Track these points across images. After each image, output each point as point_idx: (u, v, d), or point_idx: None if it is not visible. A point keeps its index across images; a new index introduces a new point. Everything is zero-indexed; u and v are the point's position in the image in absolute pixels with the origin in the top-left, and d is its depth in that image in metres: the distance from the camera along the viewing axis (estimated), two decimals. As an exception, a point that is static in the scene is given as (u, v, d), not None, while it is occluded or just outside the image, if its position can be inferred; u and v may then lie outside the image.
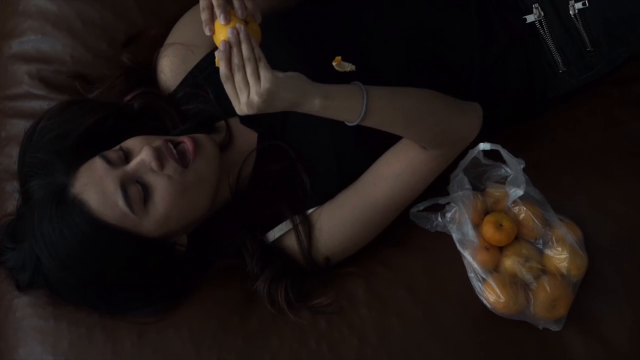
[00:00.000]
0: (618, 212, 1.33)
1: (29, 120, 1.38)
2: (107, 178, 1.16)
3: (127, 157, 1.19)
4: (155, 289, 1.24)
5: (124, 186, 1.16)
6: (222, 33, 1.09)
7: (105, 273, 1.19)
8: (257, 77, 1.06)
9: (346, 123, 1.15)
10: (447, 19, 1.39)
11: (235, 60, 1.06)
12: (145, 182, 1.17)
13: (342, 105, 1.12)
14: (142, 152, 1.18)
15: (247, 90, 1.06)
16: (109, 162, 1.17)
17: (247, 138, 1.34)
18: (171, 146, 1.20)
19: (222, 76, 1.07)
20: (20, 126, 1.41)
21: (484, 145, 1.25)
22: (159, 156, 1.18)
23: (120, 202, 1.15)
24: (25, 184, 1.25)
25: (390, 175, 1.28)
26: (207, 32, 1.10)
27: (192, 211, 1.23)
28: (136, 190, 1.16)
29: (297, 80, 1.09)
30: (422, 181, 1.30)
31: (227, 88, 1.08)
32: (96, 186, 1.15)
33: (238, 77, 1.06)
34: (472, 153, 1.26)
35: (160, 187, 1.18)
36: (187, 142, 1.21)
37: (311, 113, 1.12)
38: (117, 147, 1.21)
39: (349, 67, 1.14)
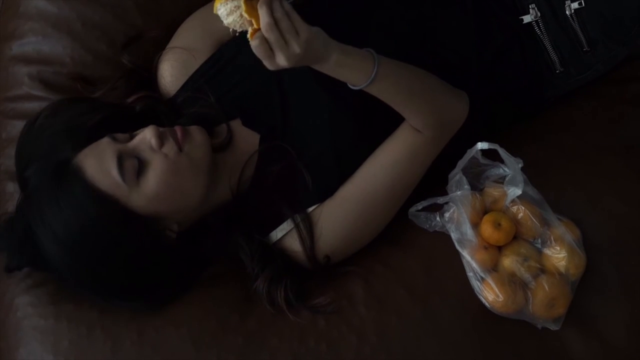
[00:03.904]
0: (616, 211, 1.33)
1: (29, 122, 1.40)
2: (107, 150, 1.19)
3: (132, 139, 1.22)
4: (146, 277, 1.24)
5: (120, 157, 1.18)
6: (215, 4, 1.08)
7: (94, 247, 1.19)
8: (295, 31, 1.07)
9: (351, 86, 1.18)
10: (444, 18, 1.40)
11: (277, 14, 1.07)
12: (142, 158, 1.20)
13: (355, 63, 1.16)
14: (145, 130, 1.22)
15: (286, 46, 1.07)
16: (113, 138, 1.21)
17: (249, 139, 1.35)
18: (176, 128, 1.23)
19: (266, 25, 1.06)
20: (20, 127, 1.40)
21: (482, 145, 1.25)
22: (160, 135, 1.21)
23: (114, 171, 1.17)
24: (26, 166, 1.26)
25: (389, 163, 1.28)
26: None
27: (183, 197, 1.24)
28: (131, 163, 1.19)
29: (321, 32, 1.13)
30: (420, 166, 1.31)
31: (261, 49, 1.07)
32: (95, 156, 1.19)
33: (275, 35, 1.06)
34: (471, 152, 1.27)
35: (155, 164, 1.20)
36: (176, 129, 1.23)
37: (325, 69, 1.15)
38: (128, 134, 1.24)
39: None
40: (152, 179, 1.19)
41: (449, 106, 1.29)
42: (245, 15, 1.07)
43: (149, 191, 1.19)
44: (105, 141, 1.20)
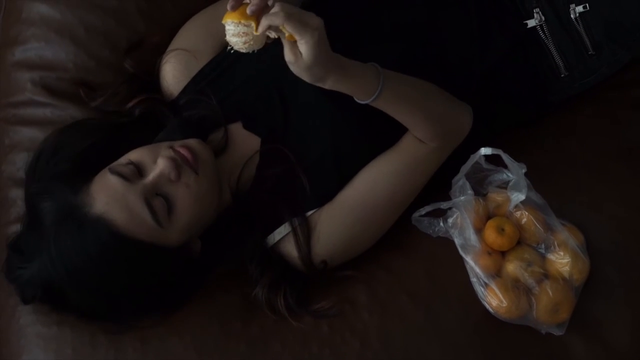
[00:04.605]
0: (619, 216, 1.33)
1: (32, 128, 1.40)
2: (130, 194, 1.15)
3: (139, 170, 1.19)
4: (164, 296, 1.24)
5: (148, 201, 1.16)
6: (235, 16, 1.09)
7: (128, 290, 1.19)
8: (305, 14, 1.06)
9: (358, 100, 1.17)
10: (447, 23, 1.40)
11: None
12: (166, 194, 1.18)
13: (360, 74, 1.15)
14: (159, 164, 1.18)
15: (306, 27, 1.05)
16: (124, 177, 1.17)
17: (249, 142, 1.34)
18: (185, 152, 1.20)
19: (283, 16, 1.04)
20: (23, 133, 1.41)
21: (485, 150, 1.25)
22: (176, 165, 1.19)
23: (148, 218, 1.15)
24: (34, 208, 1.23)
25: (392, 172, 1.28)
26: (229, 6, 1.09)
27: (206, 214, 1.25)
28: (160, 203, 1.17)
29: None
30: (422, 176, 1.31)
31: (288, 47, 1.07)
32: (119, 204, 1.15)
33: (294, 20, 1.04)
34: (474, 158, 1.27)
35: (181, 197, 1.19)
36: (184, 152, 1.21)
37: (333, 76, 1.12)
38: (125, 160, 1.20)
39: None
40: (182, 212, 1.19)
41: (452, 118, 1.29)
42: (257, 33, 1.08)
43: (181, 225, 1.19)
44: (116, 183, 1.16)
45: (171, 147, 1.21)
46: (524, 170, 1.25)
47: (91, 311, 1.22)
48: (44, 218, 1.19)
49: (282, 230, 1.29)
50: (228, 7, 1.10)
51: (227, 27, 1.10)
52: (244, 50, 1.10)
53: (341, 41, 1.15)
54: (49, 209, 1.19)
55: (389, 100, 1.19)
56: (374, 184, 1.28)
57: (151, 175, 1.18)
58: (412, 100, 1.22)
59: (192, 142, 1.25)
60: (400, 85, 1.21)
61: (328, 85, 1.13)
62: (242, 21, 1.08)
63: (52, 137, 1.33)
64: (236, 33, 1.09)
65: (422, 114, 1.24)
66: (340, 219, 1.28)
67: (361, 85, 1.16)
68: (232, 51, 1.12)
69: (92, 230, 1.14)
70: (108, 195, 1.16)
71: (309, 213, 1.29)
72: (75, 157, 1.26)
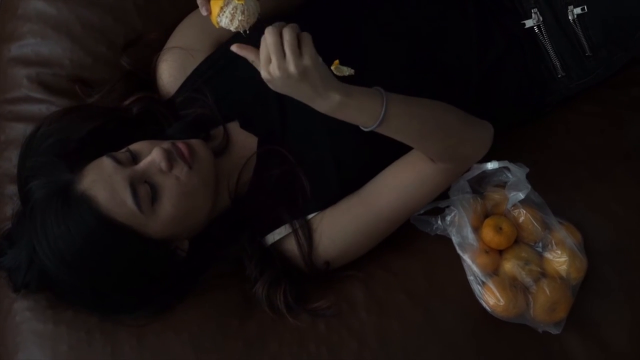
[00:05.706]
0: (617, 215, 1.33)
1: (29, 124, 1.39)
2: (117, 176, 1.16)
3: (134, 158, 1.20)
4: (151, 292, 1.23)
5: (133, 185, 1.16)
6: (216, 9, 1.07)
7: (106, 272, 1.19)
8: (299, 51, 1.05)
9: (361, 128, 1.16)
10: (446, 24, 1.39)
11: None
12: (154, 183, 1.18)
13: (361, 106, 1.13)
14: (152, 153, 1.19)
15: (283, 57, 1.04)
16: (117, 161, 1.18)
17: (246, 142, 1.34)
18: (182, 147, 1.21)
19: (270, 30, 1.05)
20: (19, 130, 1.40)
21: (492, 165, 1.25)
22: (169, 157, 1.19)
23: (129, 201, 1.15)
24: (26, 185, 1.24)
25: (397, 186, 1.28)
26: (204, 13, 1.09)
27: (195, 214, 1.24)
28: (145, 190, 1.17)
29: (326, 70, 1.09)
30: (428, 194, 1.29)
31: (262, 47, 1.06)
32: (105, 183, 1.16)
33: (273, 39, 1.04)
34: (479, 169, 1.27)
35: (168, 188, 1.18)
36: (181, 147, 1.21)
37: (327, 111, 1.12)
38: (124, 149, 1.22)
39: (347, 71, 1.12)
40: (167, 203, 1.18)
41: (466, 141, 1.27)
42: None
43: (165, 216, 1.19)
44: (108, 164, 1.17)
45: (172, 143, 1.22)
46: (526, 172, 1.25)
47: (75, 297, 1.22)
48: (34, 194, 1.20)
49: (283, 231, 1.28)
50: (202, 12, 1.09)
51: (222, 24, 1.09)
52: (254, 20, 1.08)
53: (340, 43, 1.15)
54: (40, 185, 1.20)
55: (395, 126, 1.16)
56: (379, 196, 1.28)
57: (142, 162, 1.19)
58: (421, 126, 1.19)
59: (194, 141, 1.25)
60: (408, 111, 1.18)
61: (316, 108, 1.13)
62: (221, 6, 1.07)
63: (55, 117, 1.32)
64: (231, 17, 1.07)
65: (431, 139, 1.21)
66: (342, 226, 1.28)
67: (358, 115, 1.14)
68: (247, 32, 1.10)
69: (75, 207, 1.15)
70: (96, 174, 1.17)
71: (310, 216, 1.29)
72: (80, 140, 1.27)
